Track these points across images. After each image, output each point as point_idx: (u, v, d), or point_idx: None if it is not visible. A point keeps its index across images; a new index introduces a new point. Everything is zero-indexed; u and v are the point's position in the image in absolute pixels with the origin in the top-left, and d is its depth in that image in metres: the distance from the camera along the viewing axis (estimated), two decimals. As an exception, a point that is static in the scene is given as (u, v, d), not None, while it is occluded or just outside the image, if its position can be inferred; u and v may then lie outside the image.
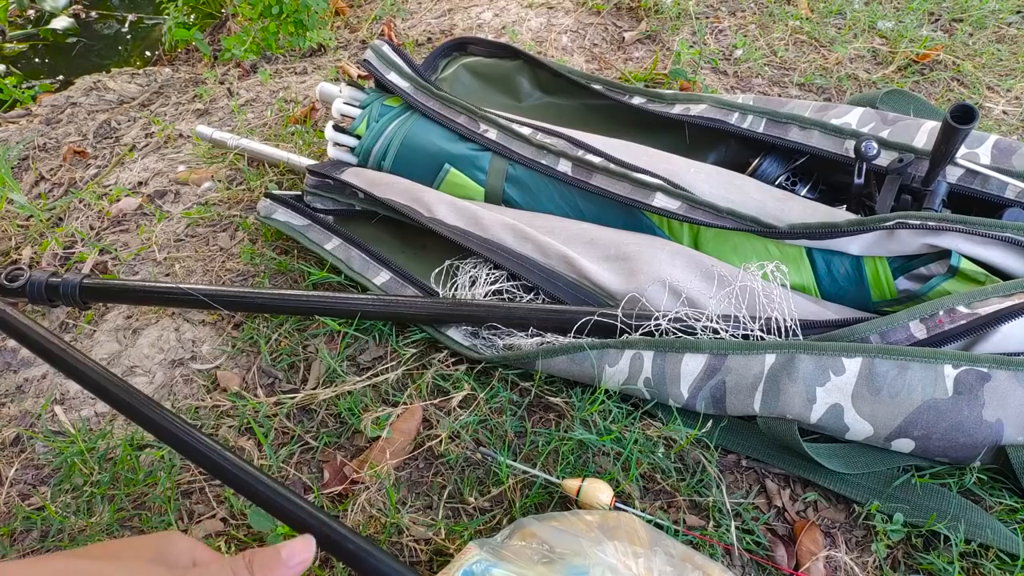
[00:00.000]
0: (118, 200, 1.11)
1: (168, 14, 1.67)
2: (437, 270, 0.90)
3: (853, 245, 0.77)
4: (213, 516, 0.71)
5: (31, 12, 2.00)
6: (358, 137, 1.03)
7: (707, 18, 1.42)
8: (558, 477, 0.68)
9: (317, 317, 0.87)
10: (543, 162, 0.92)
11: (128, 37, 1.97)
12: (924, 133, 0.82)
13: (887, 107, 0.93)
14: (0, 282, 0.85)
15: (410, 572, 0.50)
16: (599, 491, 0.64)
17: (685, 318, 0.73)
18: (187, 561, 0.34)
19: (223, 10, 1.76)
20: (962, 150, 0.79)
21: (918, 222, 0.71)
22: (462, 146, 0.97)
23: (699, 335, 0.72)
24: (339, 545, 0.50)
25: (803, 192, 0.92)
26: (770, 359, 0.68)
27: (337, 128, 1.03)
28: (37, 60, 1.90)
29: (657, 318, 0.73)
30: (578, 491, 0.64)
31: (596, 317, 0.75)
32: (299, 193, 1.02)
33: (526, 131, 0.96)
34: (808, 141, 0.88)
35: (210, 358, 0.87)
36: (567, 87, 1.09)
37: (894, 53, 1.29)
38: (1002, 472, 0.68)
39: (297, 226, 0.97)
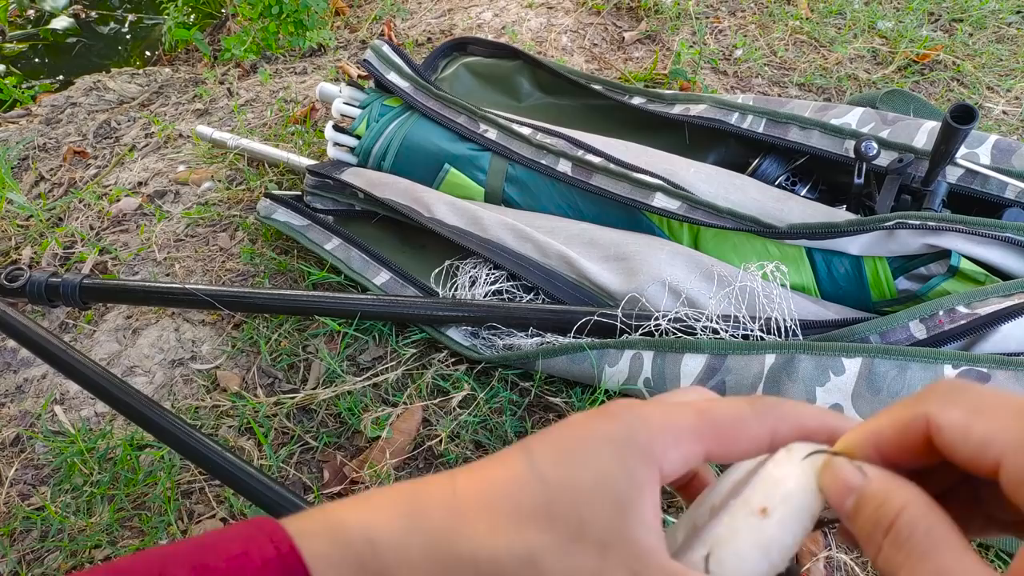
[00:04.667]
0: (118, 200, 1.11)
1: (168, 14, 1.66)
2: (437, 270, 0.90)
3: (853, 245, 0.77)
4: (213, 516, 0.71)
5: (31, 12, 2.00)
6: (358, 137, 1.03)
7: (707, 18, 1.42)
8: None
9: (317, 317, 0.87)
10: (543, 162, 0.92)
11: (128, 37, 1.97)
12: (924, 133, 0.82)
13: (887, 107, 0.93)
14: (0, 282, 0.85)
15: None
16: None
17: (685, 318, 0.73)
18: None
19: (223, 10, 1.76)
20: (962, 150, 0.79)
21: (918, 222, 0.71)
22: (462, 146, 0.97)
23: (699, 335, 0.72)
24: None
25: (803, 192, 0.92)
26: (770, 359, 0.68)
27: (337, 128, 1.03)
28: (37, 60, 1.90)
29: (657, 318, 0.73)
30: None
31: (596, 317, 0.75)
32: (299, 193, 1.02)
33: (526, 131, 0.96)
34: (808, 141, 0.88)
35: (210, 358, 0.87)
36: (567, 87, 1.09)
37: (894, 53, 1.29)
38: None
39: (297, 226, 0.96)
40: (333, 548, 0.20)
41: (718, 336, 0.72)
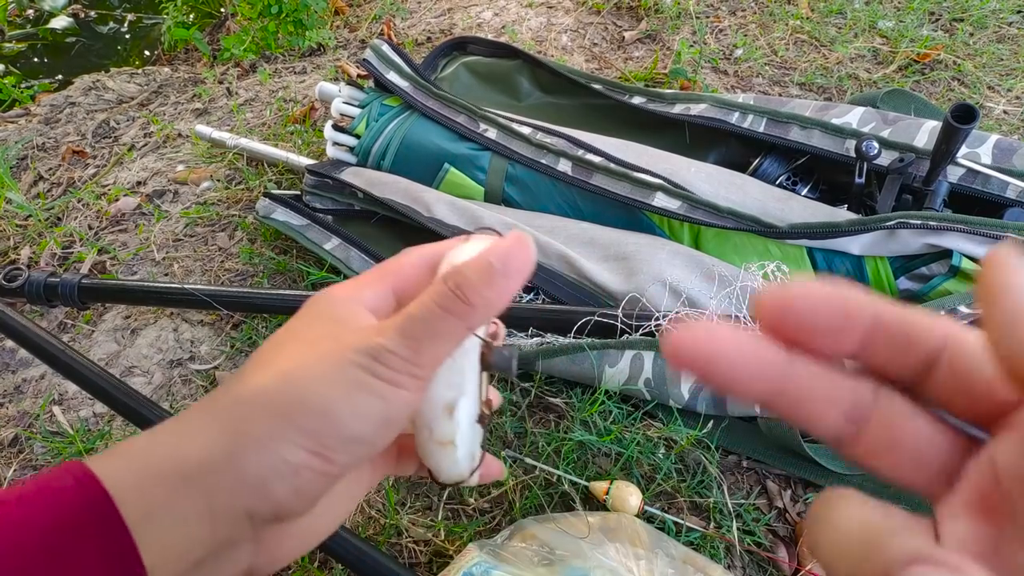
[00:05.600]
0: (117, 200, 1.10)
1: (167, 14, 1.66)
2: (437, 270, 0.89)
3: (854, 245, 0.77)
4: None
5: (30, 12, 1.99)
6: (357, 136, 1.02)
7: (707, 17, 1.41)
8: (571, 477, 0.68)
9: (316, 317, 0.86)
10: (543, 162, 0.91)
11: (127, 37, 1.97)
12: (925, 133, 0.82)
13: (888, 107, 0.93)
14: (-2, 282, 0.85)
15: (408, 574, 0.50)
16: (629, 494, 0.64)
17: (686, 318, 0.73)
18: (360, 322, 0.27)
19: (222, 10, 1.76)
20: (963, 150, 0.79)
21: (919, 222, 0.71)
22: (462, 145, 0.96)
23: (699, 335, 0.72)
24: (338, 547, 0.50)
25: (804, 192, 0.92)
26: (771, 359, 0.67)
27: (336, 127, 1.03)
28: (36, 60, 1.90)
29: (657, 318, 0.73)
30: (606, 492, 0.65)
31: (596, 317, 0.75)
32: (298, 193, 1.02)
33: (526, 131, 0.95)
34: (809, 141, 0.87)
35: (209, 358, 0.87)
36: (567, 87, 1.09)
37: (895, 53, 1.29)
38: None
39: (296, 226, 0.96)
40: (122, 458, 0.23)
41: (719, 336, 0.71)
